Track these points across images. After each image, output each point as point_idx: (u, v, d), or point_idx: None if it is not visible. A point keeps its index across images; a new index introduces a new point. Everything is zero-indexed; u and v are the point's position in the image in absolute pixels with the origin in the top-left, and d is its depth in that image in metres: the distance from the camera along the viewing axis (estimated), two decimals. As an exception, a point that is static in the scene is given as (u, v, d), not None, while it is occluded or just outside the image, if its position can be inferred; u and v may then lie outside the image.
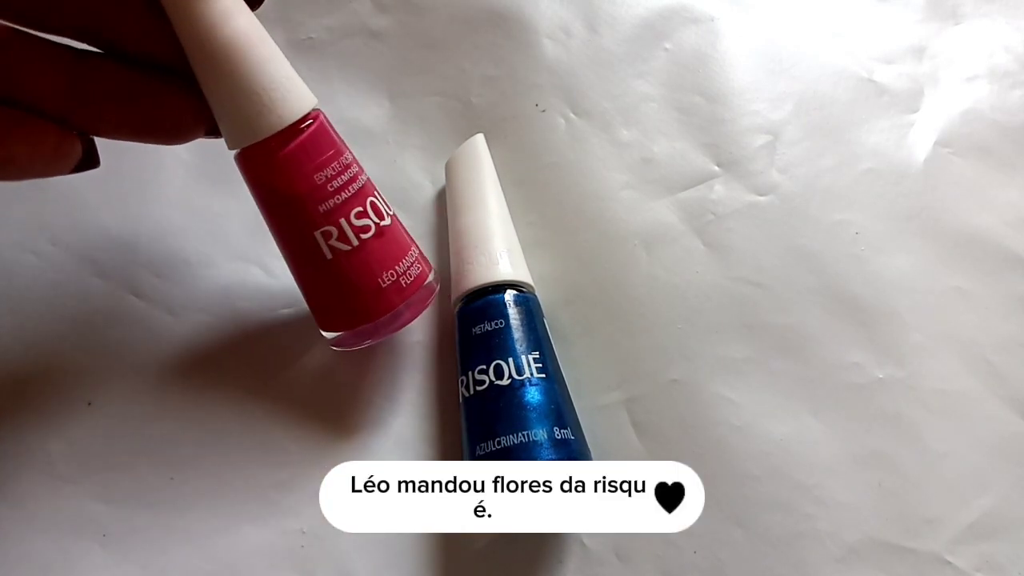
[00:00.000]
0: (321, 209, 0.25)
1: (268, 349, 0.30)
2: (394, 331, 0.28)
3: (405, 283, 0.26)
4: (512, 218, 0.31)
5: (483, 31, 0.35)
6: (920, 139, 0.34)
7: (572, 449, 0.26)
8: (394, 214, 0.27)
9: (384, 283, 0.25)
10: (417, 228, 0.33)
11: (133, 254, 0.31)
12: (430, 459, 0.29)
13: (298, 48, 0.35)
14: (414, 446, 0.29)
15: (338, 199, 0.25)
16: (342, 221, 0.25)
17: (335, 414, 0.29)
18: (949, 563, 0.28)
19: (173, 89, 0.24)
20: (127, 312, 0.30)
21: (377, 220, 0.25)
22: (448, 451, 0.29)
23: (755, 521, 0.28)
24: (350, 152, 0.26)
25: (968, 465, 0.29)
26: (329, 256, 0.25)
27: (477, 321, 0.28)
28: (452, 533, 0.28)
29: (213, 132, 0.25)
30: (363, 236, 0.25)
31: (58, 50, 0.23)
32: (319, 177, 0.24)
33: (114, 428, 0.28)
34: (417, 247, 0.28)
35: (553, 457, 0.25)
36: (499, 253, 0.29)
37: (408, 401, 0.29)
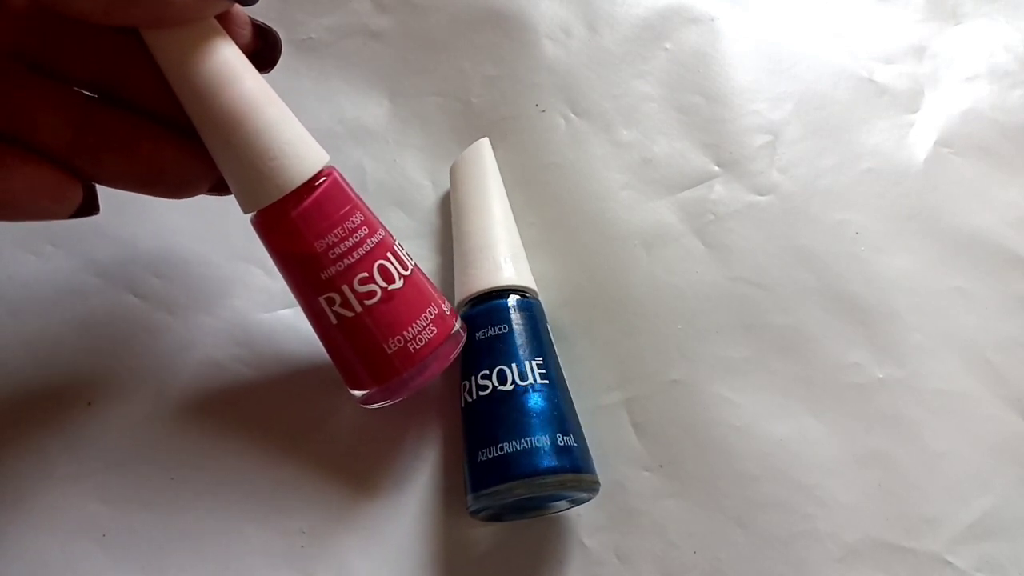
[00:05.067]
0: (323, 276, 0.24)
1: (267, 349, 0.30)
2: (420, 385, 0.27)
3: (414, 348, 0.25)
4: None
5: (483, 31, 0.35)
6: (920, 139, 0.34)
7: (574, 456, 0.25)
8: (412, 270, 0.26)
9: (390, 349, 0.25)
10: (417, 228, 0.33)
11: (133, 254, 0.31)
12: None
13: (298, 48, 0.35)
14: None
15: (340, 266, 0.24)
16: (344, 288, 0.24)
17: (335, 410, 0.29)
18: (949, 563, 0.28)
19: (178, 144, 0.24)
20: (127, 312, 0.30)
21: (385, 284, 0.24)
22: (451, 455, 0.29)
23: (755, 521, 0.28)
24: (363, 210, 0.25)
25: (968, 465, 0.29)
26: (334, 321, 0.25)
27: (481, 326, 0.27)
28: (455, 536, 0.28)
29: (217, 188, 0.25)
30: (367, 302, 0.24)
31: (68, 94, 0.23)
32: (320, 244, 0.24)
33: (114, 428, 0.28)
34: (437, 304, 0.26)
35: (555, 464, 0.25)
36: (503, 258, 0.29)
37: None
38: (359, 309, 0.24)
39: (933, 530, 0.28)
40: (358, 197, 0.25)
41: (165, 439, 0.28)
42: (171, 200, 0.26)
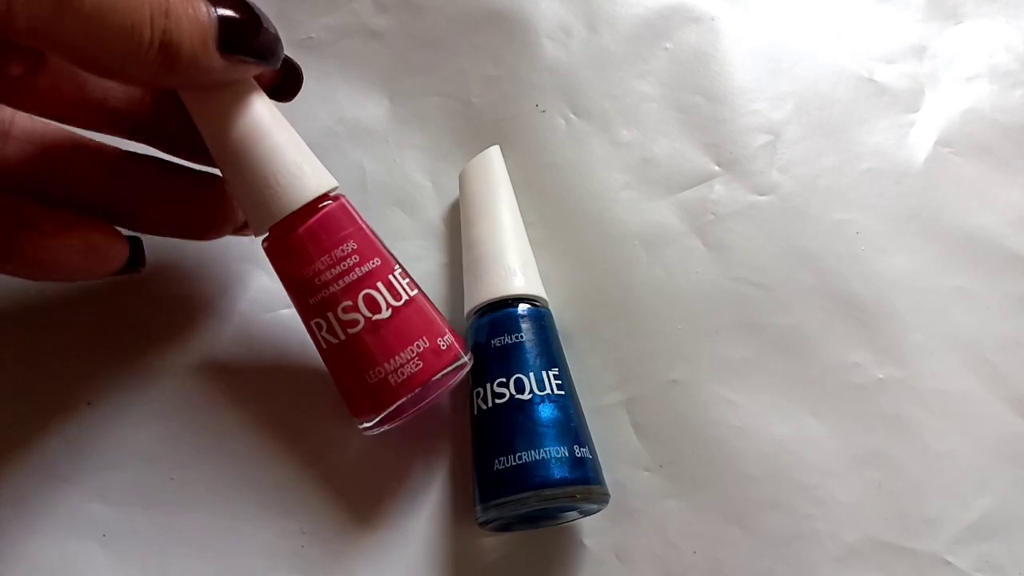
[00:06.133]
0: (311, 301, 0.25)
1: (267, 349, 0.30)
2: (415, 413, 0.27)
3: (395, 382, 0.24)
4: (512, 219, 0.31)
5: (483, 31, 0.35)
6: (920, 139, 0.34)
7: (587, 468, 0.25)
8: (409, 300, 0.25)
9: (370, 380, 0.24)
10: (417, 228, 0.32)
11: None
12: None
13: (298, 48, 0.35)
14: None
15: (326, 292, 0.24)
16: (329, 315, 0.25)
17: (337, 411, 0.29)
18: (949, 563, 0.28)
19: (203, 191, 0.26)
20: (127, 312, 0.30)
21: (369, 314, 0.24)
22: (455, 460, 0.29)
23: (755, 521, 0.28)
24: (361, 238, 0.25)
25: (968, 465, 0.29)
26: (324, 346, 0.25)
27: (496, 333, 0.27)
28: (456, 537, 0.28)
29: (242, 230, 0.28)
30: (350, 331, 0.24)
31: (102, 151, 0.25)
32: (309, 270, 0.24)
33: (114, 428, 0.28)
34: (431, 338, 0.25)
35: (570, 475, 0.25)
36: (516, 266, 0.28)
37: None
38: (342, 337, 0.25)
39: (933, 530, 0.28)
40: (364, 223, 0.26)
41: (165, 439, 0.28)
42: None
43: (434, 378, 0.25)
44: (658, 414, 0.29)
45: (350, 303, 0.24)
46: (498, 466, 0.25)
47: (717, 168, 0.33)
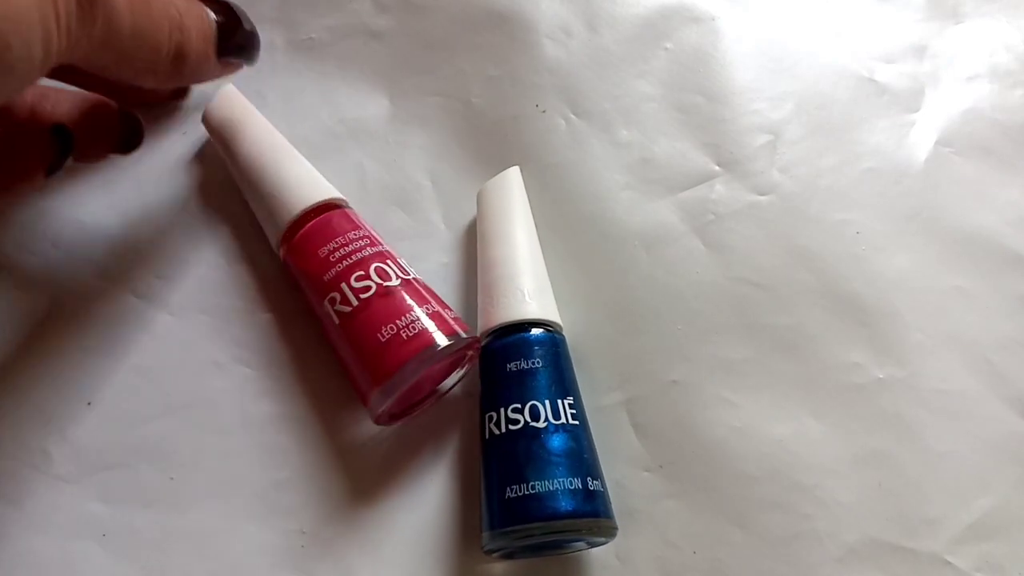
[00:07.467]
0: (325, 278, 0.27)
1: (268, 350, 0.30)
2: (421, 387, 0.27)
3: (407, 336, 0.25)
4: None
5: (483, 31, 0.35)
6: (921, 138, 0.34)
7: (598, 501, 0.25)
8: (414, 279, 0.27)
9: (383, 337, 0.25)
10: (417, 228, 0.32)
11: (134, 254, 0.31)
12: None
13: (298, 48, 0.35)
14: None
15: (340, 267, 0.27)
16: (343, 285, 0.26)
17: (338, 411, 0.29)
18: (949, 563, 0.28)
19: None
20: (127, 312, 0.30)
21: (380, 281, 0.26)
22: (462, 472, 0.29)
23: (755, 521, 0.28)
24: (368, 234, 0.28)
25: (968, 465, 0.29)
26: (336, 321, 0.26)
27: (512, 357, 0.27)
28: (458, 544, 0.28)
29: (176, 96, 0.32)
30: (363, 296, 0.26)
31: None
32: (323, 251, 0.27)
33: (114, 428, 0.28)
34: (440, 307, 0.27)
35: (580, 508, 0.24)
36: (532, 290, 0.28)
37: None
38: (355, 303, 0.26)
39: (933, 530, 0.28)
40: (369, 228, 0.29)
41: (165, 439, 0.28)
42: (171, 198, 0.30)
43: (444, 343, 0.25)
44: (658, 414, 0.29)
45: (362, 272, 0.26)
46: (509, 494, 0.24)
47: (717, 168, 0.33)
